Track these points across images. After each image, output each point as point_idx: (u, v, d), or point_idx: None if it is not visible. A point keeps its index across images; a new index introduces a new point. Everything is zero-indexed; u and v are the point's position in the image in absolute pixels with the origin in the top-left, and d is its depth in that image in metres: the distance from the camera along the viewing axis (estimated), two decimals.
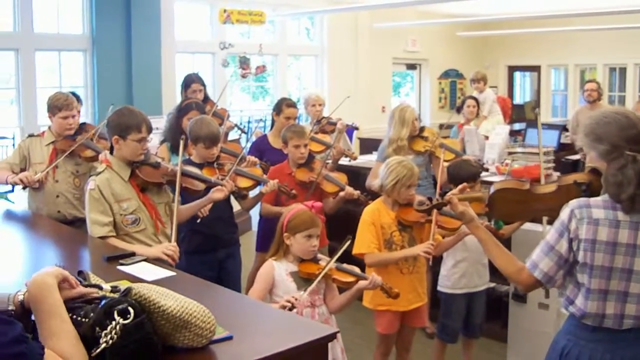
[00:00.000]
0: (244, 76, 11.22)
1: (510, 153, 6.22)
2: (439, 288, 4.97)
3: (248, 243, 7.18)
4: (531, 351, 5.13)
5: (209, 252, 4.85)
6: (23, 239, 4.44)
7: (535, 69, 16.07)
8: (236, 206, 5.19)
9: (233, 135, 6.95)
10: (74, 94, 5.69)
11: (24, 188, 5.06)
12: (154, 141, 5.37)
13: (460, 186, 3.41)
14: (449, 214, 4.42)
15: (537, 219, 4.63)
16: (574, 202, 2.68)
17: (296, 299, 3.40)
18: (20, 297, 2.09)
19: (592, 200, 2.68)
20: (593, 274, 2.63)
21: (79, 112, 5.53)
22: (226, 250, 4.96)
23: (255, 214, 6.22)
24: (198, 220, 4.57)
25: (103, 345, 1.94)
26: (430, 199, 3.51)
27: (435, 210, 4.22)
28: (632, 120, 2.67)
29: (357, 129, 7.09)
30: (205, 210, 4.58)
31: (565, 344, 2.79)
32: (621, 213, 2.60)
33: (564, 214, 2.69)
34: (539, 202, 3.07)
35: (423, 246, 4.24)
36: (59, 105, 5.07)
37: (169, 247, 3.80)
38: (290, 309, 3.31)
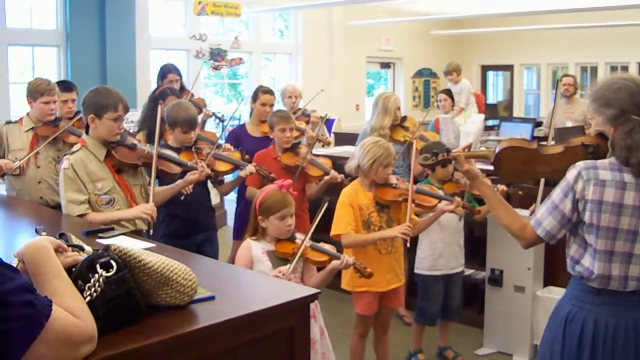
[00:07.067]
0: (216, 68, 11.21)
1: (484, 141, 6.27)
2: (416, 270, 4.99)
3: (224, 237, 7.16)
4: (507, 335, 5.19)
5: (187, 236, 4.80)
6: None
7: (508, 68, 16.22)
8: (214, 198, 5.17)
9: (210, 125, 6.95)
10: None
11: (1, 176, 4.96)
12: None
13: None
14: (426, 192, 4.48)
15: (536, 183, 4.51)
16: (581, 164, 2.73)
17: (283, 274, 3.42)
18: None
19: (599, 162, 2.72)
20: (599, 235, 2.67)
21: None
22: (204, 234, 4.95)
23: (231, 207, 6.21)
24: (182, 198, 4.48)
25: (87, 299, 1.92)
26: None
27: (412, 189, 4.27)
28: None
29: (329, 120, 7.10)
30: (189, 187, 4.47)
31: (570, 309, 2.82)
32: (628, 175, 2.65)
33: (571, 174, 2.73)
34: (544, 163, 3.08)
35: (400, 227, 4.23)
36: (40, 90, 5.00)
37: (147, 207, 3.84)
38: None
